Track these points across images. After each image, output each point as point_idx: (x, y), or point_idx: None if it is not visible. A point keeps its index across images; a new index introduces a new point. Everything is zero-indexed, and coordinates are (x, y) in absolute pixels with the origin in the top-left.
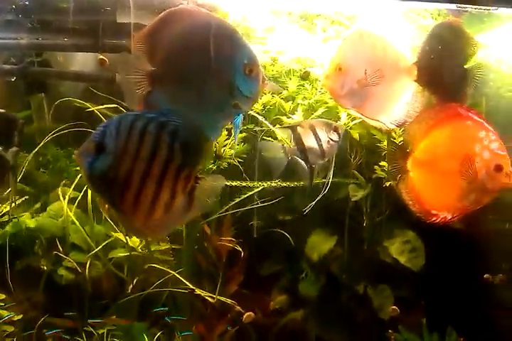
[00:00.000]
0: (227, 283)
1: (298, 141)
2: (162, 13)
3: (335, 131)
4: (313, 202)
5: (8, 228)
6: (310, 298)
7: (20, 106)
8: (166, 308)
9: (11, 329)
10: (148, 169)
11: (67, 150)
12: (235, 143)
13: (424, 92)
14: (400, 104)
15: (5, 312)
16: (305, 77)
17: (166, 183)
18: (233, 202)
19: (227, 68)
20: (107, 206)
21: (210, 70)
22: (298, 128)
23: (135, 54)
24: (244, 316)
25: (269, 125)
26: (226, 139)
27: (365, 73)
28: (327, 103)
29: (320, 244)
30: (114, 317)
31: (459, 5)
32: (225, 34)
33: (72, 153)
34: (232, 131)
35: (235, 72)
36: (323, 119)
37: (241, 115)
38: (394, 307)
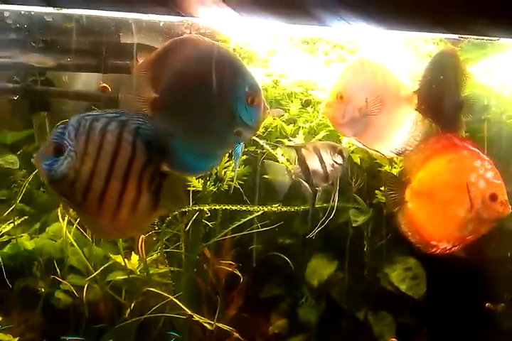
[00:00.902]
0: (226, 307)
1: (302, 162)
2: (166, 42)
3: (339, 153)
4: (318, 227)
5: (6, 249)
6: (310, 323)
7: (23, 125)
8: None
9: None
10: (110, 169)
11: None
12: (235, 170)
13: (424, 121)
14: (400, 132)
15: (1, 335)
16: (306, 105)
17: (130, 182)
18: (233, 226)
19: (229, 97)
20: (70, 209)
21: (212, 99)
22: (302, 149)
23: (138, 81)
24: None
25: (271, 149)
26: (227, 161)
27: (366, 102)
28: (328, 126)
29: (320, 269)
30: None
31: (460, 35)
32: (227, 63)
33: None
34: (233, 153)
35: (236, 100)
36: (328, 142)
37: (242, 143)
38: (393, 339)
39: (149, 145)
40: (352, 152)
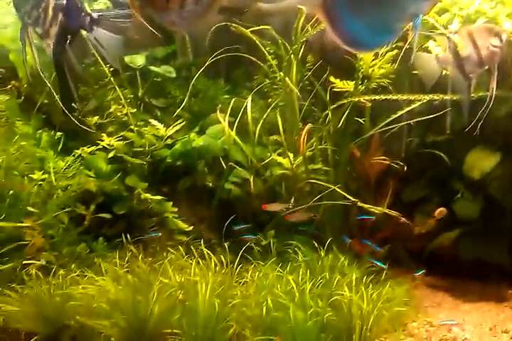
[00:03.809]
0: (377, 203)
1: (453, 49)
2: None
3: (496, 35)
4: (476, 119)
5: (177, 146)
6: (467, 218)
7: (164, 42)
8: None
9: (184, 238)
10: None
11: (215, 80)
12: (413, 44)
13: None
14: None
15: (179, 223)
16: None
17: None
18: (386, 121)
19: None
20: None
21: None
22: (454, 35)
23: None
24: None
25: (443, 28)
26: (373, 60)
27: None
28: (486, 14)
29: (480, 161)
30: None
31: None
32: None
33: (218, 83)
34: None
35: None
36: (483, 24)
37: (420, 16)
38: None
39: None
40: None
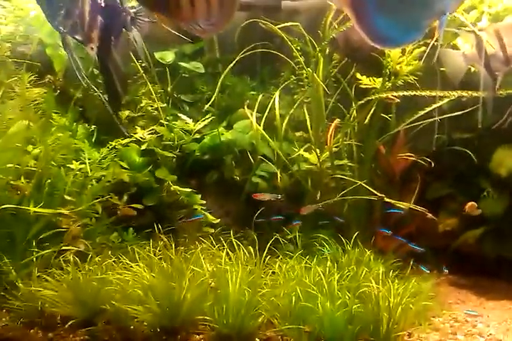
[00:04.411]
0: (402, 200)
1: (480, 46)
2: None
3: None
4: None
5: (206, 140)
6: (493, 216)
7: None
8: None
9: (211, 230)
10: None
11: (242, 77)
12: (439, 42)
13: None
14: None
15: (208, 215)
16: None
17: None
18: (413, 118)
19: None
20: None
21: None
22: (481, 33)
23: None
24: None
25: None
26: (400, 56)
27: None
28: None
29: (508, 159)
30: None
31: None
32: None
33: (244, 79)
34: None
35: None
36: (510, 22)
37: (447, 14)
38: None
39: None
40: None
